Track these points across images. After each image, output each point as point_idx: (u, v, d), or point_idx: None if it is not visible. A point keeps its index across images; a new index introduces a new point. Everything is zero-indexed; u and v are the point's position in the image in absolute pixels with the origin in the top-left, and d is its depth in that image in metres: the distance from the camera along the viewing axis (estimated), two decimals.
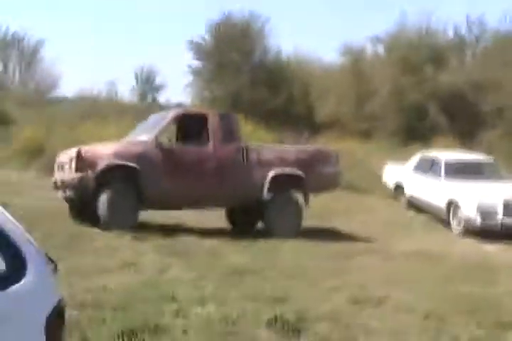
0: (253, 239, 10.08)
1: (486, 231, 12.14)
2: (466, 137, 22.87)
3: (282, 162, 10.63)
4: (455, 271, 9.11)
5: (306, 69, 31.89)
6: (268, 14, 31.31)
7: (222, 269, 7.85)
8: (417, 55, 26.58)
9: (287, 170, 10.60)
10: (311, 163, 10.89)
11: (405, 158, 21.95)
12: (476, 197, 12.48)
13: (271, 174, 10.48)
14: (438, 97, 25.30)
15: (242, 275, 7.64)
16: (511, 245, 11.64)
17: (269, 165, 10.54)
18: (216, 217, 11.67)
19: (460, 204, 12.68)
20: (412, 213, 14.45)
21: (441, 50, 26.95)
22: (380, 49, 29.53)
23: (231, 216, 11.62)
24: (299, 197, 11.01)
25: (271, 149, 11.08)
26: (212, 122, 10.39)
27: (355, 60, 29.47)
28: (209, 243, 9.49)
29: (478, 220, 12.24)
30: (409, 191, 15.05)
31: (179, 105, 26.26)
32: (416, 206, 14.64)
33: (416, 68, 26.33)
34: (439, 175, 13.89)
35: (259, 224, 11.27)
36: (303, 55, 32.80)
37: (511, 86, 21.39)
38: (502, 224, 12.22)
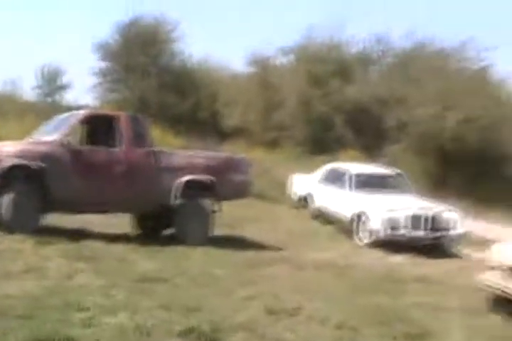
0: (162, 245, 9.82)
1: (392, 243, 12.39)
2: (371, 150, 23.44)
3: (194, 168, 10.42)
4: (364, 281, 9.24)
5: (215, 76, 31.86)
6: (179, 18, 30.36)
7: (132, 276, 7.55)
8: (324, 67, 27.04)
9: (198, 176, 10.40)
10: (222, 170, 10.74)
11: (312, 168, 22.38)
12: (384, 210, 12.71)
13: (182, 180, 10.24)
14: (344, 110, 25.82)
15: (153, 283, 7.39)
16: (416, 257, 11.93)
17: (180, 170, 10.31)
18: (123, 222, 11.33)
19: (368, 216, 12.87)
20: (318, 223, 14.57)
21: (347, 64, 27.53)
22: (288, 60, 29.87)
23: (139, 221, 11.30)
24: (210, 204, 10.84)
25: (182, 155, 10.84)
26: (123, 124, 10.05)
27: (263, 70, 29.69)
28: (117, 248, 9.14)
29: (386, 232, 12.48)
30: (316, 202, 15.16)
31: (81, 107, 25.40)
32: (323, 216, 14.77)
33: (322, 80, 26.78)
34: (347, 187, 14.09)
35: (168, 231, 11.02)
36: (212, 62, 32.82)
37: (414, 102, 22.07)
38: (408, 237, 12.52)
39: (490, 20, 46.04)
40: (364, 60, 27.98)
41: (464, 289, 9.46)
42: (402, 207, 12.83)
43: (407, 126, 22.64)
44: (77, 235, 9.67)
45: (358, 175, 14.30)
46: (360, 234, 13.01)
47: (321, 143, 25.69)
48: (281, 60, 30.05)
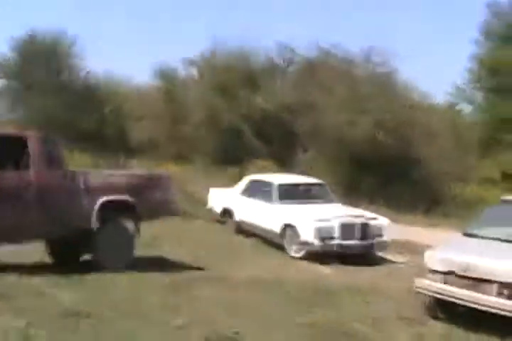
0: (81, 273, 9.09)
1: (322, 254, 12.16)
2: (282, 159, 23.31)
3: (112, 188, 9.77)
4: (297, 296, 8.92)
5: (119, 91, 31.06)
6: (79, 33, 29.41)
7: (53, 312, 6.87)
8: (230, 78, 26.78)
9: (118, 196, 9.78)
10: (143, 188, 10.15)
11: (225, 180, 22.02)
12: (313, 221, 12.45)
13: (99, 201, 9.59)
14: (252, 120, 25.61)
15: (77, 318, 6.75)
16: (343, 266, 11.76)
17: (97, 191, 9.62)
18: (35, 249, 10.53)
19: (298, 227, 12.58)
20: (240, 237, 14.16)
21: (253, 73, 27.38)
22: (194, 72, 29.48)
23: (53, 248, 10.53)
24: (130, 225, 10.23)
25: (99, 175, 10.15)
26: (33, 145, 9.27)
27: (169, 83, 29.18)
28: (31, 281, 8.32)
29: (317, 243, 12.23)
30: (238, 215, 14.75)
31: None
32: (246, 230, 14.38)
33: (229, 91, 26.52)
34: (272, 199, 13.76)
35: (86, 256, 10.32)
36: (115, 76, 31.95)
37: (324, 108, 22.12)
38: (340, 246, 12.30)
39: (391, 30, 47.17)
40: (270, 68, 27.90)
41: (398, 296, 9.36)
42: (331, 217, 12.61)
43: (319, 133, 22.67)
44: None
45: (282, 186, 13.98)
46: (290, 246, 12.70)
47: (231, 154, 25.36)
48: (187, 72, 29.61)
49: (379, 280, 10.55)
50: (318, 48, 26.55)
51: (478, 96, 30.57)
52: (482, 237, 8.80)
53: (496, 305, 7.69)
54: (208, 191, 16.69)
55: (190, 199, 17.36)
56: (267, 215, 13.63)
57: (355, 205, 15.55)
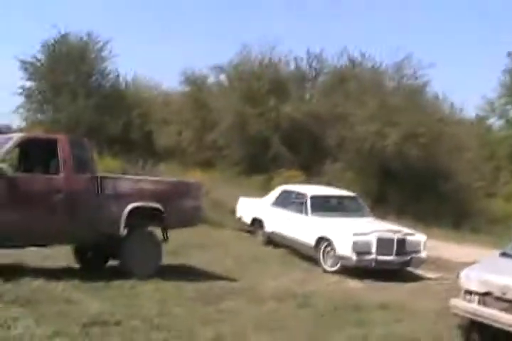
0: (107, 280, 8.93)
1: (356, 269, 11.87)
2: (309, 169, 23.06)
3: (141, 194, 9.59)
4: (327, 312, 8.70)
5: (146, 96, 31.05)
6: (109, 37, 29.26)
7: (80, 320, 6.70)
8: (259, 85, 26.62)
9: (146, 203, 9.60)
10: (171, 195, 9.96)
11: (251, 188, 21.83)
12: (351, 235, 12.09)
13: (128, 208, 9.41)
14: (280, 129, 25.40)
15: (104, 327, 6.59)
16: (374, 281, 11.48)
17: (126, 197, 9.46)
18: (59, 253, 10.39)
19: (333, 241, 12.24)
20: (270, 248, 13.85)
21: (282, 82, 27.19)
22: (223, 78, 29.34)
23: (79, 253, 10.39)
24: (158, 232, 10.06)
25: (128, 180, 9.96)
26: (63, 149, 9.13)
27: (197, 89, 29.08)
28: (58, 287, 8.18)
29: (354, 258, 11.90)
30: (269, 226, 14.38)
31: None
32: (276, 241, 14.02)
33: (258, 99, 26.35)
34: (305, 211, 13.37)
35: (113, 262, 10.15)
36: (143, 81, 31.96)
37: (354, 119, 21.86)
38: (376, 262, 11.96)
39: (425, 39, 46.78)
40: (299, 77, 27.69)
41: (431, 315, 9.07)
42: (369, 231, 12.25)
43: (347, 143, 22.40)
44: (12, 272, 8.67)
45: (316, 198, 13.58)
46: (327, 260, 12.32)
47: (257, 162, 25.18)
48: (216, 79, 29.48)
49: (412, 297, 10.24)
50: (348, 58, 26.36)
51: (511, 110, 30.11)
52: None
53: None
54: (236, 199, 16.44)
55: (216, 208, 17.18)
56: (300, 227, 13.27)
57: (383, 218, 15.23)
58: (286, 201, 14.23)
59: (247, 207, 15.62)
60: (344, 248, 12.02)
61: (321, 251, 12.46)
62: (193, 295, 8.61)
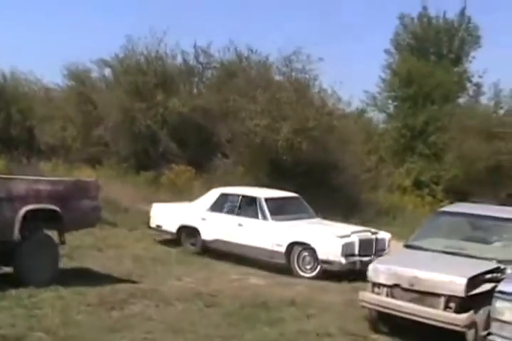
0: (2, 289, 8.28)
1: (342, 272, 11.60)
2: (198, 164, 22.79)
3: (36, 196, 9.00)
4: (236, 311, 8.54)
5: (27, 90, 29.68)
6: None
7: None
8: (146, 80, 26.00)
9: (42, 205, 9.01)
10: (69, 196, 9.42)
11: (139, 185, 21.38)
12: (336, 238, 11.81)
13: (22, 211, 8.80)
14: (169, 124, 24.92)
15: None
16: (276, 277, 11.44)
17: (19, 200, 8.85)
18: None
19: (312, 245, 11.83)
20: (169, 248, 13.40)
21: (170, 76, 26.69)
22: (108, 73, 28.44)
23: None
24: (55, 236, 9.50)
25: (22, 181, 9.31)
26: None
27: (81, 83, 28.06)
28: None
29: (342, 262, 11.62)
30: (207, 234, 13.27)
31: None
32: (218, 250, 13.02)
33: (145, 94, 25.73)
34: (262, 215, 12.68)
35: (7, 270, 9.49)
36: (22, 74, 30.48)
37: (244, 113, 21.77)
38: (361, 263, 11.54)
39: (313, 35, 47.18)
40: (186, 71, 27.26)
41: (338, 308, 9.16)
42: (349, 233, 12.02)
43: (238, 138, 22.28)
44: None
45: (268, 201, 12.86)
46: (304, 266, 11.95)
47: (146, 158, 24.62)
48: (100, 73, 28.53)
49: (318, 292, 10.28)
50: (236, 52, 26.22)
51: (391, 104, 31.17)
52: (425, 249, 8.70)
53: (443, 319, 7.61)
54: (128, 197, 15.91)
55: (109, 206, 16.57)
56: (258, 233, 12.55)
57: None
58: (228, 205, 13.27)
59: (168, 214, 14.15)
60: (328, 252, 11.66)
61: (295, 256, 12.02)
62: (96, 301, 8.17)
